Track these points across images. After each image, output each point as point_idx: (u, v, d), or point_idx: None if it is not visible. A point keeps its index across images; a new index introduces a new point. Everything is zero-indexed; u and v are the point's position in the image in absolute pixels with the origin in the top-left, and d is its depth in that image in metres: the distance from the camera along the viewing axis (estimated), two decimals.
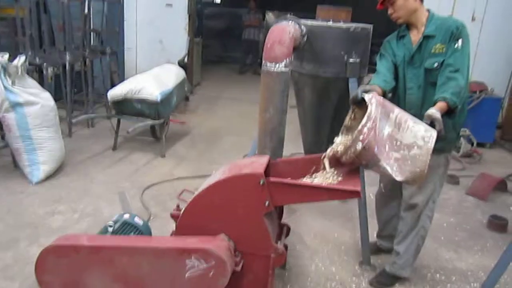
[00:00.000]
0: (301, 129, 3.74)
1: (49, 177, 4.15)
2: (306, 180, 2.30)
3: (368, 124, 2.01)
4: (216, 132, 6.19)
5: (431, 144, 2.08)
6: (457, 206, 4.26)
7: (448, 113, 2.35)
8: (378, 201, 3.15)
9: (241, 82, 9.86)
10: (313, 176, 2.32)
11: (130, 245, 2.17)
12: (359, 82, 3.19)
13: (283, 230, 2.57)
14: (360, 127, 2.01)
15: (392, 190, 2.97)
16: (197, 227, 2.24)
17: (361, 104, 2.25)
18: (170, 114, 5.56)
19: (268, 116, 2.54)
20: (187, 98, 7.28)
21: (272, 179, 2.16)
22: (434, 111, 2.27)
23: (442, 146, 2.17)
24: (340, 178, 2.23)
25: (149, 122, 4.92)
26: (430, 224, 2.85)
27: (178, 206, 2.49)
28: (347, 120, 2.37)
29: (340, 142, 2.28)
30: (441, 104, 2.32)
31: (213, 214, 2.22)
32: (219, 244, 2.11)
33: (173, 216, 2.42)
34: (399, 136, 2.09)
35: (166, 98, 4.97)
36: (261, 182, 2.10)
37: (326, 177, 2.27)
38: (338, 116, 3.43)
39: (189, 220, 2.27)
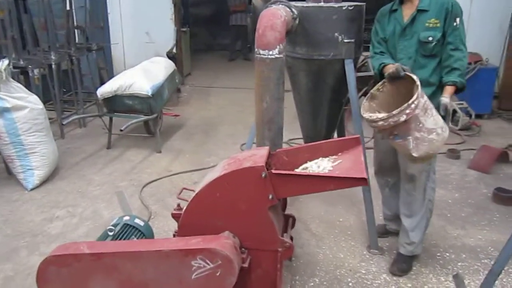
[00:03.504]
0: (298, 114, 3.65)
1: (44, 182, 4.07)
2: (307, 168, 2.24)
3: (417, 102, 2.22)
4: (211, 123, 6.09)
5: (447, 134, 2.39)
6: (460, 181, 4.21)
7: (458, 90, 2.62)
8: (379, 182, 3.10)
9: (232, 69, 9.72)
10: (314, 163, 2.25)
11: (132, 249, 2.08)
12: (355, 62, 3.10)
13: (289, 222, 2.50)
14: (411, 101, 2.21)
15: (390, 167, 2.93)
16: (200, 225, 2.16)
17: (393, 80, 2.50)
18: (163, 107, 5.46)
19: (265, 105, 2.44)
20: (178, 90, 7.15)
21: (274, 171, 2.09)
22: (449, 101, 2.55)
23: None
24: (337, 163, 2.21)
25: (142, 118, 4.83)
26: (434, 196, 2.91)
27: (178, 205, 2.41)
28: (374, 89, 2.59)
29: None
30: (450, 89, 2.58)
31: (216, 211, 2.15)
32: (224, 242, 2.04)
33: (174, 216, 2.35)
34: (423, 119, 2.28)
35: (158, 92, 4.87)
36: (263, 175, 2.03)
37: (327, 163, 2.23)
38: (335, 99, 3.36)
39: (191, 219, 2.19)
